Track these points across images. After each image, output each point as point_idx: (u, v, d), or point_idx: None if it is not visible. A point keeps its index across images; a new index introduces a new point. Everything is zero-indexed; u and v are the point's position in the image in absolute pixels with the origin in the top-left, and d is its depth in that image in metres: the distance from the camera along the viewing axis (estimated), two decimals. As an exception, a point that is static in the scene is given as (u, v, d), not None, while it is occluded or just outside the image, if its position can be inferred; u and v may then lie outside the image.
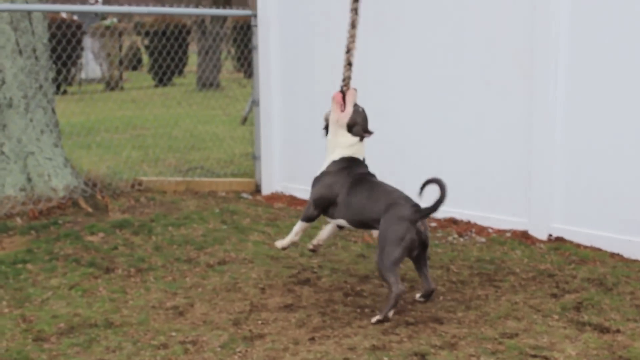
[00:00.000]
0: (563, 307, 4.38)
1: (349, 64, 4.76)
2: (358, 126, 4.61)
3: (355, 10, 4.81)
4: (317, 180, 4.66)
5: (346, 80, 4.74)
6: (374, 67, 6.46)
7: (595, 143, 5.41)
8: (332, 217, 4.62)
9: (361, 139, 4.63)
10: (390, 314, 4.20)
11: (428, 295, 4.48)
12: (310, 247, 4.86)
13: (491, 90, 5.87)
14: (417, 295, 4.52)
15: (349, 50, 4.79)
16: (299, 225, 4.72)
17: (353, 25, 4.81)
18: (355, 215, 4.48)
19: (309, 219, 4.67)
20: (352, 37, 4.80)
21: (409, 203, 4.28)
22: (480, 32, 5.87)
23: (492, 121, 5.89)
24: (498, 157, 5.89)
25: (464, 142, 6.05)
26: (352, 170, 4.57)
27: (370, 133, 4.64)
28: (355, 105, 4.65)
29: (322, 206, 4.60)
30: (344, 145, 4.62)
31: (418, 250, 4.29)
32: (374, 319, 4.19)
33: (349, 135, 4.61)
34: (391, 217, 4.24)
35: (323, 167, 4.67)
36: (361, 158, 4.66)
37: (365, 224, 4.48)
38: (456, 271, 5.06)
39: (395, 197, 4.34)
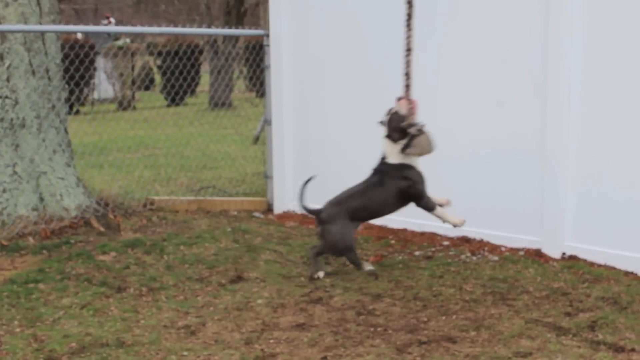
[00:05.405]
0: (577, 326, 4.34)
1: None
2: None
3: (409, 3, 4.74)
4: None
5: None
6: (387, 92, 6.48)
7: (609, 161, 5.38)
8: None
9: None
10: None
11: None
12: None
13: (504, 108, 5.85)
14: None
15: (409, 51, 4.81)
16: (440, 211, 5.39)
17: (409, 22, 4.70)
18: None
19: None
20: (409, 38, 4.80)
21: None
22: (494, 50, 5.87)
23: (505, 139, 5.87)
24: (511, 175, 5.87)
25: (476, 161, 6.03)
26: None
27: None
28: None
29: None
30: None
31: None
32: None
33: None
34: None
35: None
36: None
37: None
38: (469, 290, 5.03)
39: None
